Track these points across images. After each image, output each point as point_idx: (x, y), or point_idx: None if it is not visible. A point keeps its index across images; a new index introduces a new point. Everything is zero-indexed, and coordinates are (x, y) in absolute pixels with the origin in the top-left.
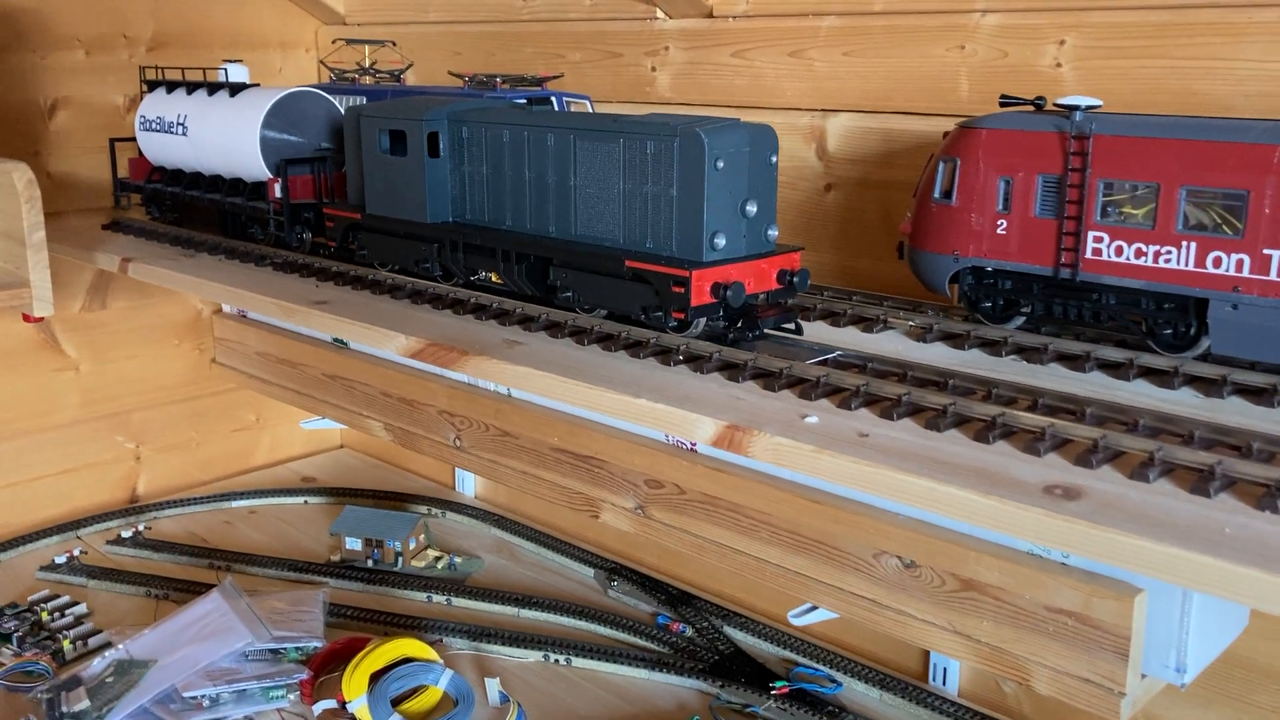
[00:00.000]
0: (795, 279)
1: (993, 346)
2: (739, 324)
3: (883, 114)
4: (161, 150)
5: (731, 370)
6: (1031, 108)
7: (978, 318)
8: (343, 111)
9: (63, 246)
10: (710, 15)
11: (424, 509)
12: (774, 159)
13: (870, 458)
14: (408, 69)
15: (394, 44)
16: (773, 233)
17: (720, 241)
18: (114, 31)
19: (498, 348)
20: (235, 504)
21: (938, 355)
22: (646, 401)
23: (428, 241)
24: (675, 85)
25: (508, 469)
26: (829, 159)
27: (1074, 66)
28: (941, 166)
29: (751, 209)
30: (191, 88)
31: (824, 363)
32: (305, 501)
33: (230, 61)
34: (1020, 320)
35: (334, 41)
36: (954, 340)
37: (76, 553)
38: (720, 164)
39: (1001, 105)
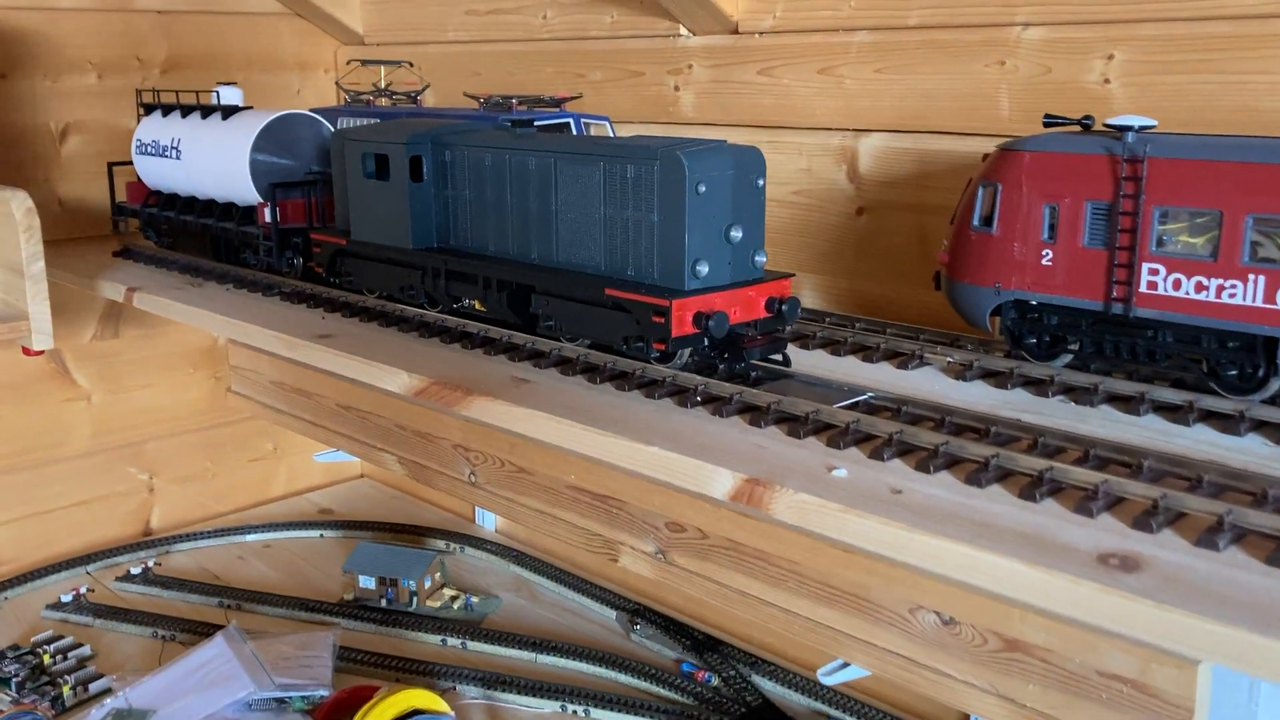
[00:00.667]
0: (784, 307)
1: (1038, 386)
2: (725, 355)
3: (918, 134)
4: (157, 174)
5: (753, 414)
6: (1078, 128)
7: (1021, 355)
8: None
9: (69, 275)
10: (735, 31)
11: (442, 544)
12: (760, 182)
13: (903, 519)
14: (425, 90)
15: (411, 64)
16: (760, 259)
17: (703, 269)
18: (127, 54)
19: (504, 387)
20: (249, 538)
21: (978, 395)
22: (659, 450)
23: (411, 268)
24: (699, 104)
25: (524, 507)
26: (861, 181)
27: (1124, 83)
28: (981, 191)
29: (736, 234)
30: (186, 111)
31: (854, 406)
32: (321, 535)
33: (224, 84)
34: (1067, 358)
35: (349, 62)
36: (996, 379)
37: (83, 590)
38: (702, 188)
39: (1045, 125)
